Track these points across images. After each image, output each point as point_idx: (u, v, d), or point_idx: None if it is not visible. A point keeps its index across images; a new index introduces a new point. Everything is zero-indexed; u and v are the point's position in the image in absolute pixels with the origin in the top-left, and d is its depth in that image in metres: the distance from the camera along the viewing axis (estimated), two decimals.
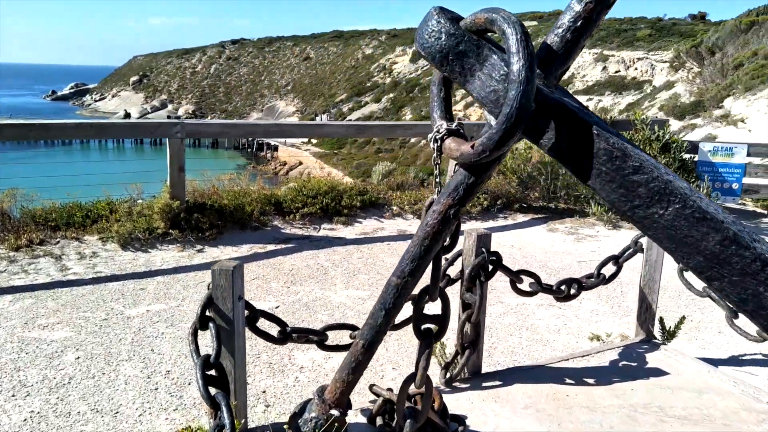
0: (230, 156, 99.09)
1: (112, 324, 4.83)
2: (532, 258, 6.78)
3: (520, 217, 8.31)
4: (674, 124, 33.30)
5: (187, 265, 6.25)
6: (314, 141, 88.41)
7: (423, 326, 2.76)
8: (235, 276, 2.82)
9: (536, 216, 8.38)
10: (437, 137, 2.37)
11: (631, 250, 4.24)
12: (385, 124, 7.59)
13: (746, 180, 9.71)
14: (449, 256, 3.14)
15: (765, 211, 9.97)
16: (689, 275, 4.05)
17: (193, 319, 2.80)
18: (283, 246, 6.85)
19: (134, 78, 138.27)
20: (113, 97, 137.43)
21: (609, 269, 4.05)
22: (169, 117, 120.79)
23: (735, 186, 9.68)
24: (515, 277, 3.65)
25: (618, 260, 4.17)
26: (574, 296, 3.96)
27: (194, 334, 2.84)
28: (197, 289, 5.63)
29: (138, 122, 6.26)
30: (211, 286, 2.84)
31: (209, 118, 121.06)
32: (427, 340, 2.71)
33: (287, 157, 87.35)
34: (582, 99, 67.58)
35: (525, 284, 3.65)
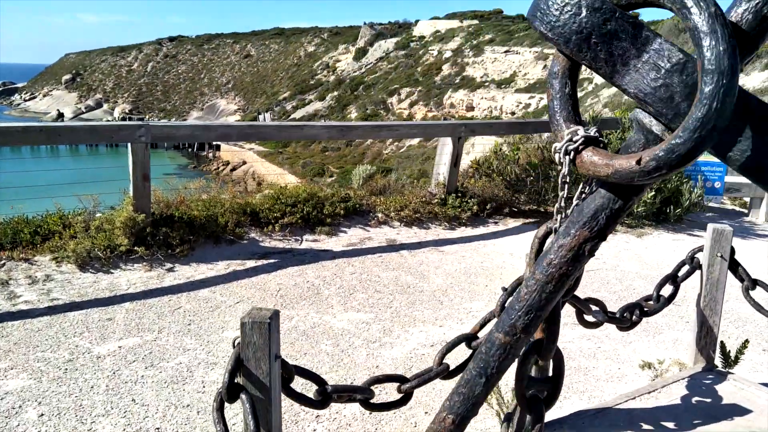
0: (170, 156, 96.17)
1: (80, 366, 4.02)
2: None
3: (511, 222, 7.80)
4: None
5: (157, 287, 5.45)
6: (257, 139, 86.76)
7: (529, 392, 2.11)
8: (273, 329, 2.14)
9: (527, 221, 7.88)
10: (570, 147, 1.74)
11: (688, 268, 3.74)
12: (370, 124, 6.86)
13: (728, 179, 9.49)
14: None
15: (745, 210, 9.78)
16: (756, 294, 3.58)
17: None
18: (265, 261, 6.11)
19: (67, 77, 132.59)
20: (44, 96, 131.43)
21: (666, 290, 3.53)
22: (126, 119, 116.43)
23: (717, 185, 9.44)
24: (584, 307, 3.07)
25: (676, 280, 3.66)
26: (636, 324, 3.43)
27: (220, 410, 2.14)
28: (174, 318, 4.86)
29: (96, 125, 5.40)
30: (239, 344, 2.14)
31: (147, 117, 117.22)
32: (537, 410, 2.08)
33: (230, 156, 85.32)
34: (524, 97, 68.38)
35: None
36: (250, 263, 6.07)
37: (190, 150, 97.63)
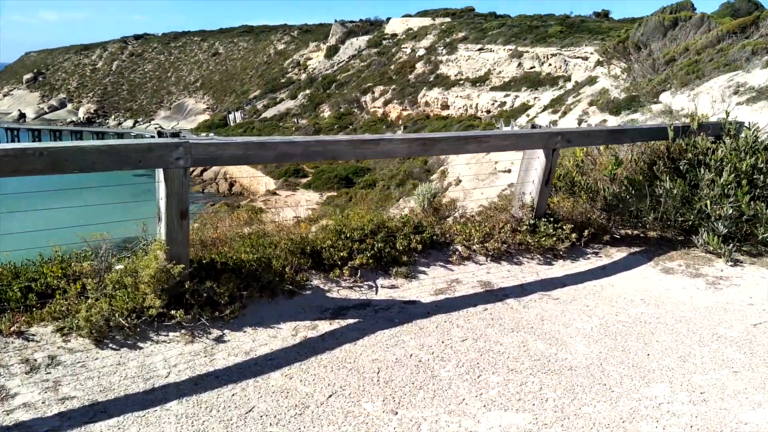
0: None
1: None
2: (684, 321, 4.80)
3: (615, 253, 6.33)
4: (611, 120, 32.76)
5: (209, 371, 3.84)
6: None
7: None
8: None
9: (631, 250, 6.43)
10: None
11: None
12: (456, 135, 5.33)
13: None
14: None
15: None
16: None
17: None
18: (342, 322, 4.53)
19: (28, 75, 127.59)
20: (5, 96, 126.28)
21: None
22: (91, 120, 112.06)
23: None
24: None
25: None
26: None
27: None
28: (252, 426, 3.27)
29: (117, 145, 3.76)
30: None
31: (113, 117, 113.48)
32: None
33: None
34: (500, 95, 67.49)
35: None
36: (323, 325, 4.48)
37: None
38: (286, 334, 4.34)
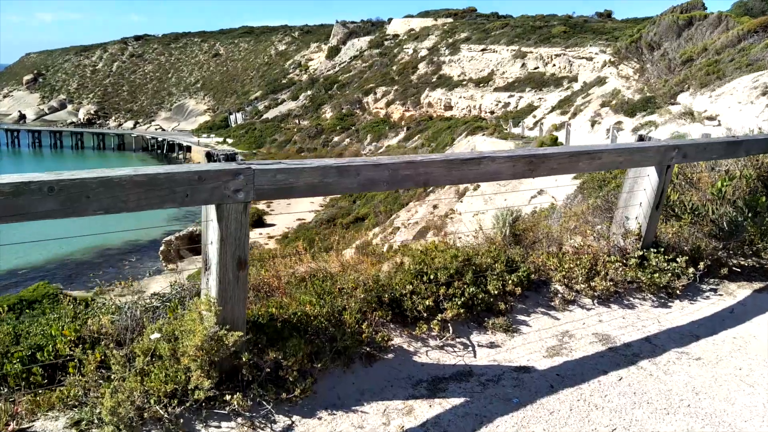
0: (140, 158, 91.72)
1: None
2: None
3: (737, 290, 5.22)
4: (626, 122, 31.69)
5: None
6: (230, 140, 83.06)
7: None
8: None
9: (755, 286, 5.32)
10: None
11: None
12: (567, 152, 4.29)
13: None
14: None
15: None
16: None
17: None
18: (444, 403, 3.41)
19: (28, 77, 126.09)
20: (5, 97, 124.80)
21: None
22: (92, 121, 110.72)
23: None
24: None
25: None
26: None
27: None
28: None
29: (156, 174, 2.68)
30: None
31: (113, 118, 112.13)
32: None
33: (201, 158, 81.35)
34: (504, 96, 66.48)
35: None
36: (421, 408, 3.36)
37: (159, 152, 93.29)
38: (375, 422, 3.22)
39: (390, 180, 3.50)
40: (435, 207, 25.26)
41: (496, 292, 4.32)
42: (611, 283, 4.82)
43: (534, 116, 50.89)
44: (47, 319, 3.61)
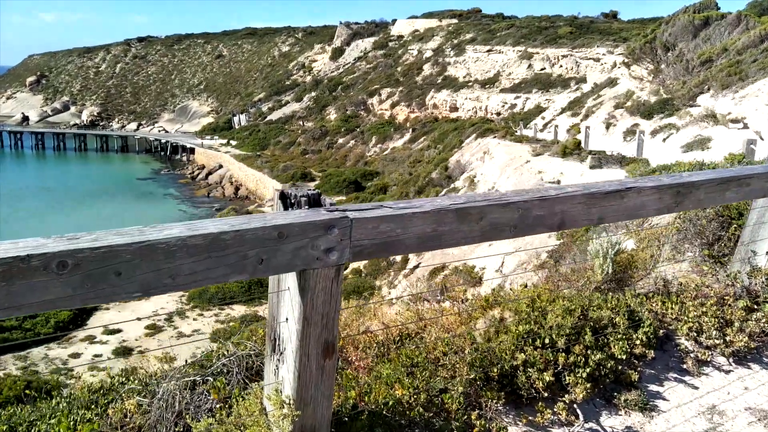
0: (143, 160, 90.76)
1: None
2: None
3: None
4: (643, 124, 30.72)
5: None
6: (233, 142, 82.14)
7: None
8: None
9: None
10: None
11: None
12: (716, 177, 3.38)
13: None
14: None
15: None
16: None
17: None
18: None
19: (31, 78, 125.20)
20: (8, 99, 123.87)
21: None
22: (95, 123, 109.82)
23: None
24: None
25: None
26: None
27: None
28: None
29: (221, 233, 1.74)
30: None
31: (116, 120, 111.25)
32: None
33: (205, 159, 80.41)
34: (510, 97, 65.70)
35: None
36: None
37: (163, 153, 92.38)
38: None
39: (518, 223, 2.56)
40: None
41: (623, 357, 3.38)
42: (747, 337, 3.87)
43: (543, 117, 49.97)
44: (54, 411, 2.67)
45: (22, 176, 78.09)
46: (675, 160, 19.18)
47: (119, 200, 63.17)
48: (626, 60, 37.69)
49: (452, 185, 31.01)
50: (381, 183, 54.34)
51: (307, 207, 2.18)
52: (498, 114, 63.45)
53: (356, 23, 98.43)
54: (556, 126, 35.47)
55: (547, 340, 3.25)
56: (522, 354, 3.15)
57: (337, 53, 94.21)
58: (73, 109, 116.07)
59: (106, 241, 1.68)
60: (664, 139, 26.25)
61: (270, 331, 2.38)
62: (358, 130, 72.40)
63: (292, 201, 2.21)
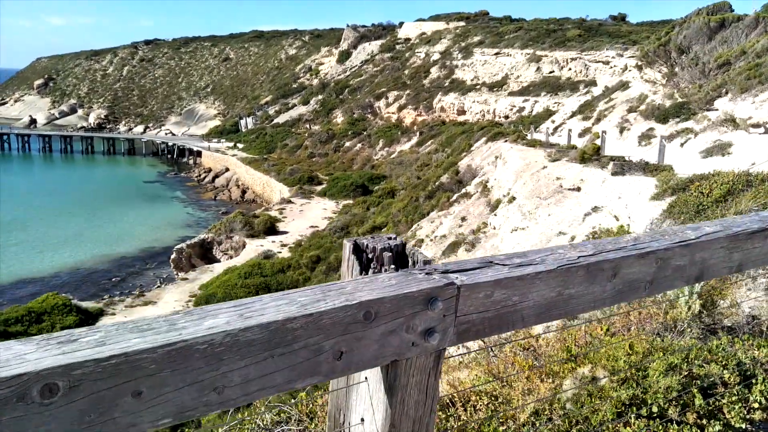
0: (150, 163, 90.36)
1: None
2: None
3: None
4: (659, 129, 30.03)
5: None
6: (240, 145, 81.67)
7: None
8: None
9: None
10: None
11: None
12: None
13: None
14: None
15: None
16: None
17: None
18: None
19: (39, 81, 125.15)
20: (16, 101, 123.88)
21: None
22: (101, 125, 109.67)
23: None
24: None
25: None
26: None
27: None
28: None
29: (284, 320, 1.22)
30: None
31: (123, 123, 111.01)
32: None
33: (212, 162, 79.90)
34: (518, 100, 65.11)
35: None
36: None
37: (169, 156, 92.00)
38: None
39: (654, 278, 1.95)
40: (463, 219, 23.68)
41: (741, 425, 2.75)
42: None
43: (553, 121, 49.32)
44: None
45: (29, 179, 77.86)
46: (697, 165, 18.53)
47: (126, 203, 62.75)
48: (639, 63, 37.02)
49: (463, 190, 30.42)
50: (388, 187, 53.79)
51: (393, 267, 1.58)
52: (506, 117, 62.87)
53: (363, 26, 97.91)
54: (570, 130, 34.81)
55: (654, 408, 2.63)
56: (629, 429, 2.52)
57: (344, 56, 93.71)
58: (80, 111, 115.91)
59: (118, 344, 1.08)
60: (682, 144, 25.56)
61: (332, 424, 1.77)
62: (365, 133, 71.85)
63: (370, 255, 1.61)
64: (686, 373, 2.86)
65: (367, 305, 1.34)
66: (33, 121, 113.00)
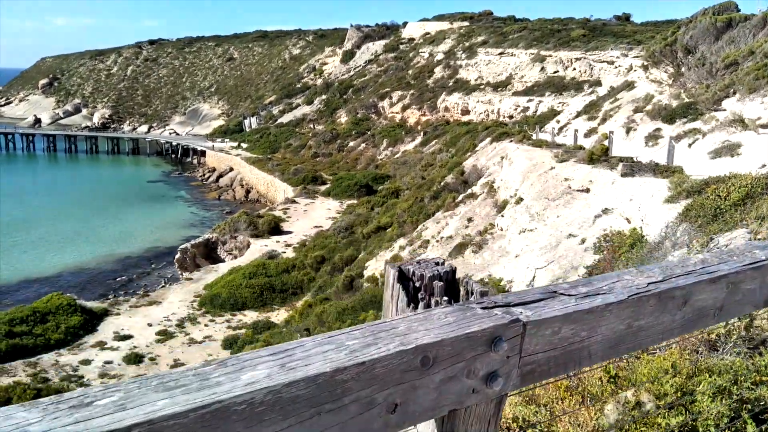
0: (154, 163, 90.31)
1: None
2: None
3: None
4: (665, 129, 29.78)
5: None
6: (244, 145, 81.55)
7: None
8: None
9: None
10: None
11: None
12: None
13: None
14: None
15: None
16: None
17: None
18: None
19: (44, 81, 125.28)
20: (21, 101, 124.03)
21: None
22: (105, 125, 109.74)
23: None
24: None
25: None
26: None
27: None
28: None
29: (308, 378, 1.04)
30: None
31: (127, 122, 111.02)
32: None
33: (216, 162, 79.78)
34: (523, 100, 64.88)
35: None
36: None
37: (174, 156, 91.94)
38: None
39: (723, 303, 1.76)
40: (470, 220, 23.47)
41: None
42: None
43: (558, 121, 49.05)
44: None
45: (33, 179, 77.91)
46: (706, 167, 18.29)
47: (130, 203, 62.70)
48: (645, 63, 36.77)
49: (469, 191, 30.22)
50: (393, 187, 53.60)
51: (446, 299, 1.39)
52: (510, 117, 62.65)
53: (367, 26, 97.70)
54: (576, 130, 34.59)
55: None
56: None
57: (348, 56, 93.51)
58: (84, 111, 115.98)
59: (141, 408, 0.89)
60: (690, 145, 25.31)
61: None
62: (368, 133, 71.66)
63: (417, 284, 1.42)
64: (737, 397, 2.66)
65: (425, 349, 1.16)
66: (37, 121, 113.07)
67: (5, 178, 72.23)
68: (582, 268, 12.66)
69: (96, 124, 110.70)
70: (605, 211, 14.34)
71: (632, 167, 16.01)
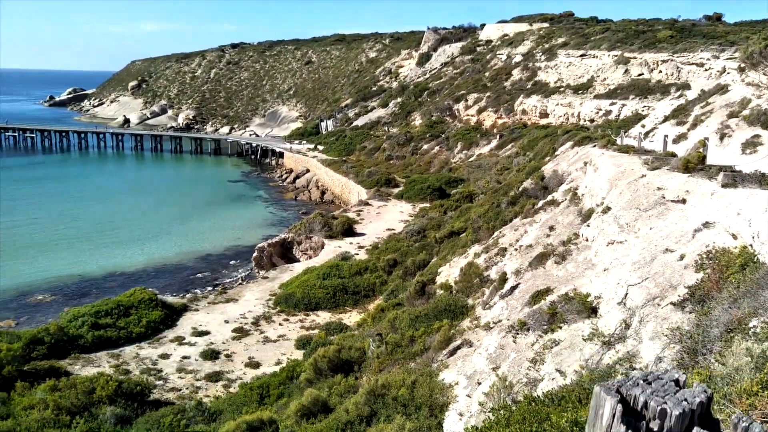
0: (234, 163, 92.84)
1: None
2: None
3: None
4: (765, 136, 27.68)
5: None
6: (320, 147, 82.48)
7: None
8: None
9: None
10: None
11: None
12: None
13: None
14: None
15: None
16: None
17: None
18: None
19: (133, 83, 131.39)
20: (111, 102, 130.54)
21: None
22: (189, 126, 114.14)
23: None
24: None
25: None
26: None
27: None
28: None
29: None
30: None
31: (210, 123, 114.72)
32: None
33: (293, 163, 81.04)
34: (605, 103, 62.40)
35: None
36: None
37: (253, 157, 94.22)
38: None
39: None
40: (551, 229, 22.41)
41: None
42: None
43: (643, 126, 46.72)
44: None
45: (122, 177, 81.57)
46: None
47: (212, 201, 64.66)
48: (741, 64, 34.37)
49: (550, 197, 29.00)
50: (466, 190, 52.62)
51: None
52: (591, 121, 60.43)
53: (444, 28, 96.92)
54: (665, 136, 32.69)
55: None
56: None
57: (424, 58, 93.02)
58: (170, 112, 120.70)
59: None
60: None
61: None
62: (443, 136, 70.90)
63: (654, 427, 0.85)
64: None
65: None
66: (126, 121, 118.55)
67: (98, 177, 76.17)
68: (682, 288, 11.62)
69: (180, 125, 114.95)
70: (706, 224, 13.15)
71: (734, 177, 14.65)
